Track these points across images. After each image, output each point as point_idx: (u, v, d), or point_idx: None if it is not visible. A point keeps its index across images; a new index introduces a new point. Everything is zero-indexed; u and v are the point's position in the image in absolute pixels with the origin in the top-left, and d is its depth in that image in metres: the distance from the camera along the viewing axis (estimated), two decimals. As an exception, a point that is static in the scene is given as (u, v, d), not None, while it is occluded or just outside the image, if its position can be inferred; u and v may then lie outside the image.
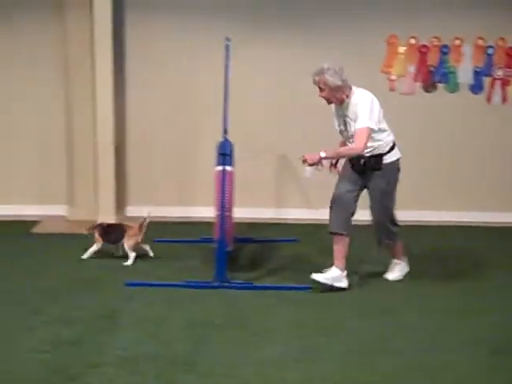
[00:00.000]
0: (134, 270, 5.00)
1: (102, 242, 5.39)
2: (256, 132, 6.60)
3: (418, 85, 6.74)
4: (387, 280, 4.86)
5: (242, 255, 5.48)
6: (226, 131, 4.86)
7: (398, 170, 4.67)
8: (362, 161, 4.53)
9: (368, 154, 4.48)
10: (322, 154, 4.45)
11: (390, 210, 4.75)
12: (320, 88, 4.48)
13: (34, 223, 6.51)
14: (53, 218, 6.74)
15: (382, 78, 6.66)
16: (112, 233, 5.41)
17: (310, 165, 4.47)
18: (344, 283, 4.61)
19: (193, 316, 4.10)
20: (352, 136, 4.48)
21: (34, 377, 3.23)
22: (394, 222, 4.77)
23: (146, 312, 4.17)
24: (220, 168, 4.69)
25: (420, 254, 5.43)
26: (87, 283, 4.74)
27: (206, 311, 4.20)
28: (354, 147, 4.45)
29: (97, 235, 5.41)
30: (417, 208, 6.66)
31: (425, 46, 6.61)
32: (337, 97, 4.50)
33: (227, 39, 4.61)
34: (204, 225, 6.50)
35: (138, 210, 6.82)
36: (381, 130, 4.47)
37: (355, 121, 4.42)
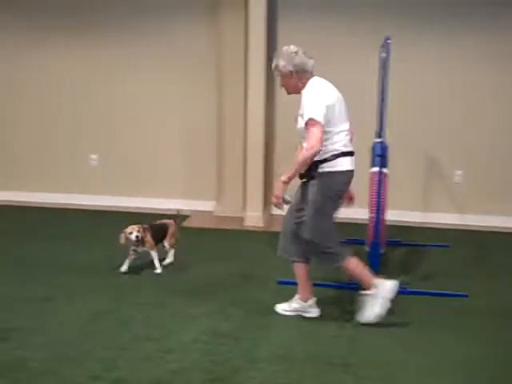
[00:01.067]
0: (284, 268, 5.03)
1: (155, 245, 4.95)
2: (405, 132, 6.48)
3: None
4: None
5: (391, 258, 5.39)
6: (381, 132, 4.78)
7: (339, 185, 3.87)
8: None
9: None
10: (283, 178, 3.77)
11: (321, 232, 3.89)
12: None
13: (184, 217, 6.74)
14: (201, 214, 6.97)
15: None
16: (157, 233, 5.02)
17: (279, 202, 3.82)
18: (313, 313, 4.10)
19: (346, 317, 4.07)
20: (303, 136, 3.79)
21: (198, 366, 3.34)
22: (330, 252, 3.90)
23: (299, 311, 4.19)
24: (376, 169, 4.64)
25: None
26: (241, 279, 4.83)
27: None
28: (306, 148, 3.70)
29: (149, 238, 4.88)
30: None
31: None
32: (290, 85, 3.91)
33: (387, 38, 4.53)
34: (349, 226, 6.48)
35: (284, 209, 6.94)
36: (325, 133, 3.72)
37: (302, 116, 3.78)
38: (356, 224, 6.30)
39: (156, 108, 7.21)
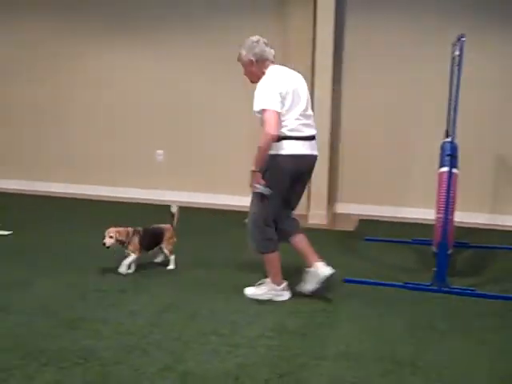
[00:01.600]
0: (350, 267, 5.02)
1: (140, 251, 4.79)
2: (471, 131, 6.35)
3: None
4: None
5: (459, 260, 5.29)
6: (452, 132, 4.69)
7: (284, 168, 4.01)
8: None
9: None
10: (252, 168, 3.99)
11: (258, 213, 4.15)
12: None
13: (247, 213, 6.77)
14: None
15: None
16: (150, 238, 4.86)
17: (255, 189, 4.07)
18: (285, 296, 4.30)
19: (413, 318, 4.01)
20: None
21: (265, 361, 3.36)
22: (262, 230, 4.14)
23: (365, 310, 4.15)
24: (445, 169, 4.56)
25: None
26: (299, 275, 4.81)
27: (427, 314, 4.09)
28: (263, 134, 3.91)
29: (135, 242, 4.74)
30: None
31: None
32: (252, 73, 4.09)
33: (461, 36, 4.44)
34: (415, 226, 6.42)
35: (347, 208, 6.92)
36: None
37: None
38: (422, 224, 6.24)
39: (223, 105, 7.26)
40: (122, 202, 7.35)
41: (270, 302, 4.23)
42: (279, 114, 3.91)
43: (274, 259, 4.24)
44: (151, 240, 4.86)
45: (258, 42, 4.08)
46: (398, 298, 4.38)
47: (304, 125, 4.07)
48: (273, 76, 4.01)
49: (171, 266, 4.92)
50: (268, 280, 4.31)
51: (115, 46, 7.47)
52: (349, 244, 5.82)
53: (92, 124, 7.69)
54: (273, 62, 4.10)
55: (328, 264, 4.28)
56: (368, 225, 6.52)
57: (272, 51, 4.09)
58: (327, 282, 4.25)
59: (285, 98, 3.94)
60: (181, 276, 4.74)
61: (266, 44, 4.09)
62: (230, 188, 7.25)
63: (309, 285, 4.25)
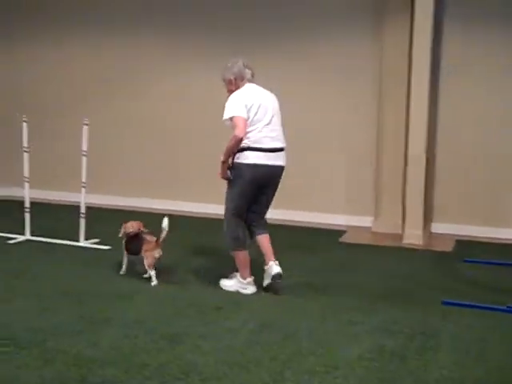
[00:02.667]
0: (449, 289, 4.89)
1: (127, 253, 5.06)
2: None
3: None
4: None
5: None
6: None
7: (246, 176, 4.56)
8: None
9: None
10: (221, 158, 4.59)
11: (228, 209, 4.71)
12: None
13: (341, 233, 6.75)
14: (358, 229, 6.92)
15: None
16: (133, 243, 4.98)
17: (224, 178, 4.64)
18: (249, 290, 4.73)
19: (517, 344, 3.88)
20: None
21: (365, 383, 3.31)
22: (233, 229, 4.68)
23: (466, 334, 4.02)
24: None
25: None
26: (402, 297, 4.75)
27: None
28: (232, 136, 4.49)
29: (123, 243, 5.05)
30: None
31: None
32: (231, 91, 4.69)
33: None
34: None
35: (444, 228, 6.74)
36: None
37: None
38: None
39: (313, 119, 7.26)
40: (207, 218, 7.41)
41: (366, 322, 4.17)
42: (245, 121, 4.49)
43: (241, 256, 4.74)
44: (135, 246, 4.96)
45: (237, 62, 4.71)
46: (501, 322, 4.23)
47: (268, 137, 4.59)
48: (242, 91, 4.63)
49: (152, 282, 4.84)
50: (238, 274, 4.78)
51: (177, 61, 7.64)
52: (446, 265, 5.68)
53: (193, 143, 7.79)
54: (249, 81, 4.72)
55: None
56: (466, 245, 6.34)
57: (249, 71, 4.72)
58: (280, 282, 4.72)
59: (249, 110, 4.52)
60: (279, 294, 4.75)
61: (245, 65, 4.72)
62: (320, 205, 7.23)
63: (265, 280, 4.75)
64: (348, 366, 3.50)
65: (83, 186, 6.09)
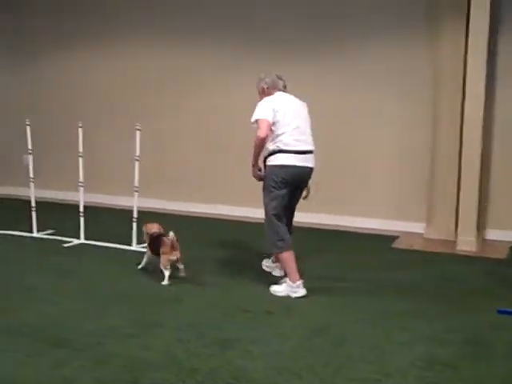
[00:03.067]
0: (504, 298, 4.79)
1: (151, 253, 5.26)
2: None
3: None
4: None
5: None
6: None
7: (280, 176, 4.76)
8: None
9: None
10: (252, 162, 4.91)
11: (267, 212, 4.86)
12: None
13: (393, 238, 6.69)
14: (411, 235, 6.85)
15: None
16: (155, 244, 5.17)
17: (257, 177, 4.96)
18: (300, 293, 4.75)
19: None
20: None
21: (416, 393, 3.28)
22: (275, 231, 4.80)
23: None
24: None
25: None
26: (454, 304, 4.66)
27: None
28: (255, 137, 4.76)
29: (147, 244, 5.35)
30: None
31: None
32: (261, 98, 4.95)
33: None
34: None
35: (499, 235, 6.60)
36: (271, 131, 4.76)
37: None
38: None
39: (366, 125, 7.21)
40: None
41: (417, 329, 4.11)
42: (270, 123, 4.72)
43: (287, 258, 4.78)
44: (156, 246, 5.14)
45: (270, 73, 5.06)
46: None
47: (297, 140, 4.80)
48: (271, 97, 4.90)
49: (163, 282, 4.98)
50: (287, 278, 4.82)
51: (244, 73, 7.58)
52: (500, 273, 5.56)
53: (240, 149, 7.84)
54: (281, 90, 5.00)
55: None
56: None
57: (281, 82, 5.04)
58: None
59: (277, 112, 4.76)
60: (329, 298, 4.73)
61: (278, 77, 5.05)
62: (372, 210, 7.19)
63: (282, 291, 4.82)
64: (400, 374, 3.46)
65: (136, 191, 6.18)
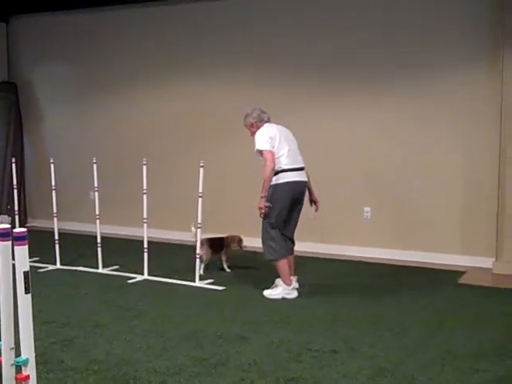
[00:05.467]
0: None
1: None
2: None
3: None
4: None
5: None
6: None
7: (285, 192, 5.48)
8: None
9: None
10: (261, 195, 5.46)
11: (268, 225, 5.55)
12: None
13: (460, 273, 6.53)
14: (478, 270, 6.67)
15: None
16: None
17: (264, 211, 5.47)
18: (293, 295, 5.65)
19: None
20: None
21: None
22: (275, 241, 5.55)
23: None
24: None
25: None
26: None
27: None
28: (264, 168, 5.46)
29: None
30: None
31: None
32: (252, 132, 5.69)
33: None
34: None
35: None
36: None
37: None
38: None
39: (429, 158, 7.13)
40: (336, 260, 7.41)
41: (489, 371, 3.94)
42: (273, 152, 5.45)
43: (283, 265, 5.58)
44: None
45: (255, 109, 5.77)
46: None
47: (293, 160, 5.56)
48: (264, 128, 5.62)
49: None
50: (280, 282, 5.64)
51: (323, 107, 7.68)
52: None
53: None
54: (267, 122, 5.71)
55: None
56: None
57: (266, 115, 5.75)
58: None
59: (274, 139, 5.50)
60: (394, 336, 4.63)
61: (262, 111, 5.77)
62: (438, 245, 7.04)
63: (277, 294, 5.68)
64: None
65: (199, 227, 6.23)
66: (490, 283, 6.26)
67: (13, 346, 2.60)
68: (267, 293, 5.68)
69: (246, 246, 6.73)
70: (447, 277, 6.44)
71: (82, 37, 9.26)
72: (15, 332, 2.60)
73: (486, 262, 6.71)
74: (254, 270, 6.75)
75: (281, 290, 5.63)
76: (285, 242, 5.64)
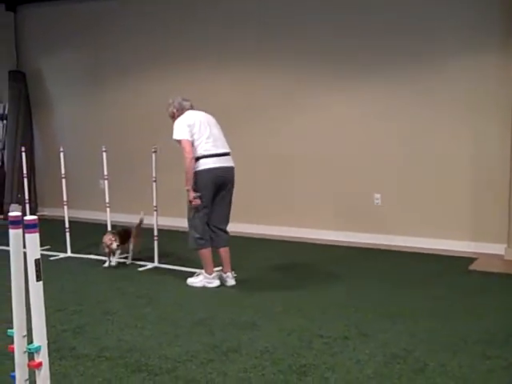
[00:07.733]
0: None
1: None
2: None
3: None
4: None
5: None
6: None
7: (206, 179, 5.43)
8: None
9: None
10: (186, 187, 5.44)
11: (190, 216, 5.56)
12: None
13: (470, 260, 6.50)
14: (489, 257, 6.64)
15: None
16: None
17: (195, 202, 5.41)
18: (215, 283, 5.66)
19: None
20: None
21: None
22: (197, 229, 5.53)
23: None
24: None
25: None
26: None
27: None
28: (184, 159, 5.42)
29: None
30: None
31: None
32: (175, 120, 5.64)
33: None
34: None
35: None
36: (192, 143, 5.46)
37: None
38: None
39: (442, 145, 7.08)
40: (337, 246, 7.41)
41: (501, 357, 3.93)
42: (190, 141, 5.41)
43: (205, 254, 5.59)
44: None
45: (176, 98, 5.78)
46: None
47: (213, 145, 5.48)
48: (184, 115, 5.59)
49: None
50: (202, 271, 5.66)
51: (333, 92, 7.64)
52: None
53: (312, 169, 7.84)
54: (189, 109, 5.69)
55: None
56: None
57: (188, 103, 5.75)
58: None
59: (193, 126, 5.46)
60: (405, 324, 4.61)
61: (184, 99, 5.77)
62: (449, 232, 7.01)
63: (198, 282, 5.69)
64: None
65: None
66: (502, 269, 6.23)
67: (25, 333, 2.60)
68: (189, 281, 5.72)
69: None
70: (458, 263, 6.42)
71: (90, 25, 9.25)
72: (27, 319, 2.60)
73: (498, 249, 6.68)
74: (265, 259, 6.74)
75: (201, 279, 5.66)
76: (209, 231, 5.59)
